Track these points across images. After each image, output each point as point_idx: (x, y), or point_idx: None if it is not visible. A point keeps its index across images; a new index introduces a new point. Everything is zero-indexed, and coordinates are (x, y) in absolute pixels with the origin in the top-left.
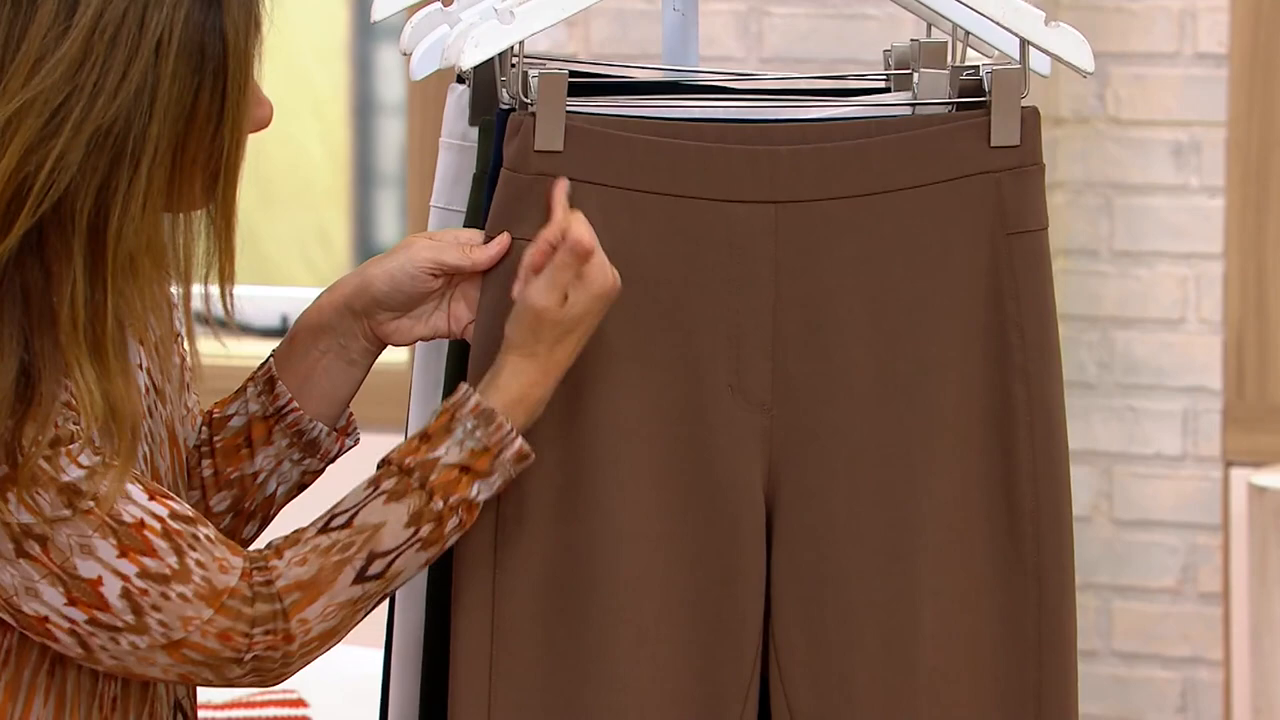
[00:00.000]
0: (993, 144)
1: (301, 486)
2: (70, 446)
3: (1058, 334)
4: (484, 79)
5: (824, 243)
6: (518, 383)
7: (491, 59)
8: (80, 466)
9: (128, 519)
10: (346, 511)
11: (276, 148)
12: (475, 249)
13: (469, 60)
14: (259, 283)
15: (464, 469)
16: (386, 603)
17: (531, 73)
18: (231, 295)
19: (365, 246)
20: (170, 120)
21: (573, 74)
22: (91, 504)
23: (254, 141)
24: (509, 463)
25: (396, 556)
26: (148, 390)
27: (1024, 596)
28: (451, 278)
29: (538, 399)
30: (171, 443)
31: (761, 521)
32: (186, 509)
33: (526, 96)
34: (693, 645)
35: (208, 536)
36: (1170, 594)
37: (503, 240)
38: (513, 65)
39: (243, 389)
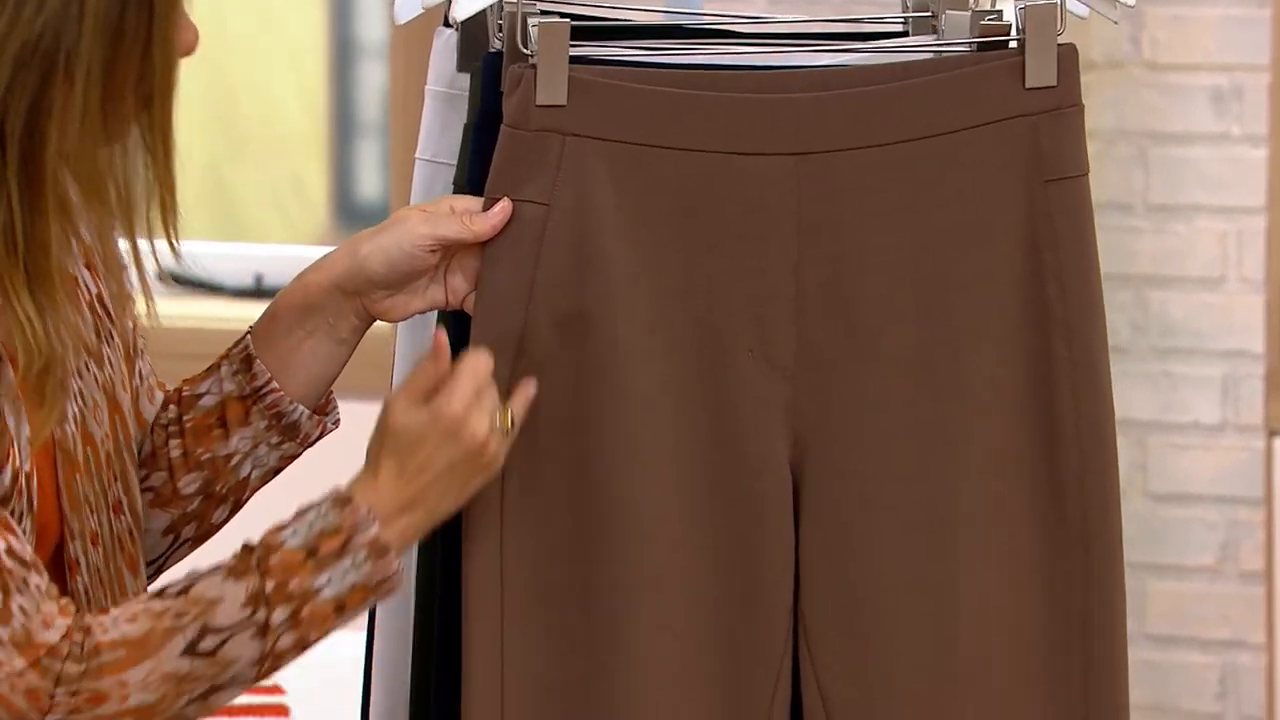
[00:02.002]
0: (1028, 85)
1: (277, 471)
2: None
3: (1101, 287)
4: (475, 21)
5: (849, 196)
6: (375, 490)
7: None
8: None
9: None
10: (187, 584)
11: (249, 95)
12: (475, 218)
13: (462, 11)
14: (231, 239)
15: (310, 552)
16: None
17: (531, 21)
18: (175, 230)
19: (344, 200)
20: (99, 36)
21: (569, 18)
22: None
23: (224, 88)
24: (362, 549)
25: (230, 637)
26: (77, 349)
27: (1069, 570)
28: (448, 248)
29: (388, 518)
30: (112, 408)
31: (788, 496)
32: (26, 551)
33: (526, 47)
34: (718, 630)
35: (38, 586)
36: (1209, 573)
37: (504, 208)
38: (510, 10)
39: (215, 366)
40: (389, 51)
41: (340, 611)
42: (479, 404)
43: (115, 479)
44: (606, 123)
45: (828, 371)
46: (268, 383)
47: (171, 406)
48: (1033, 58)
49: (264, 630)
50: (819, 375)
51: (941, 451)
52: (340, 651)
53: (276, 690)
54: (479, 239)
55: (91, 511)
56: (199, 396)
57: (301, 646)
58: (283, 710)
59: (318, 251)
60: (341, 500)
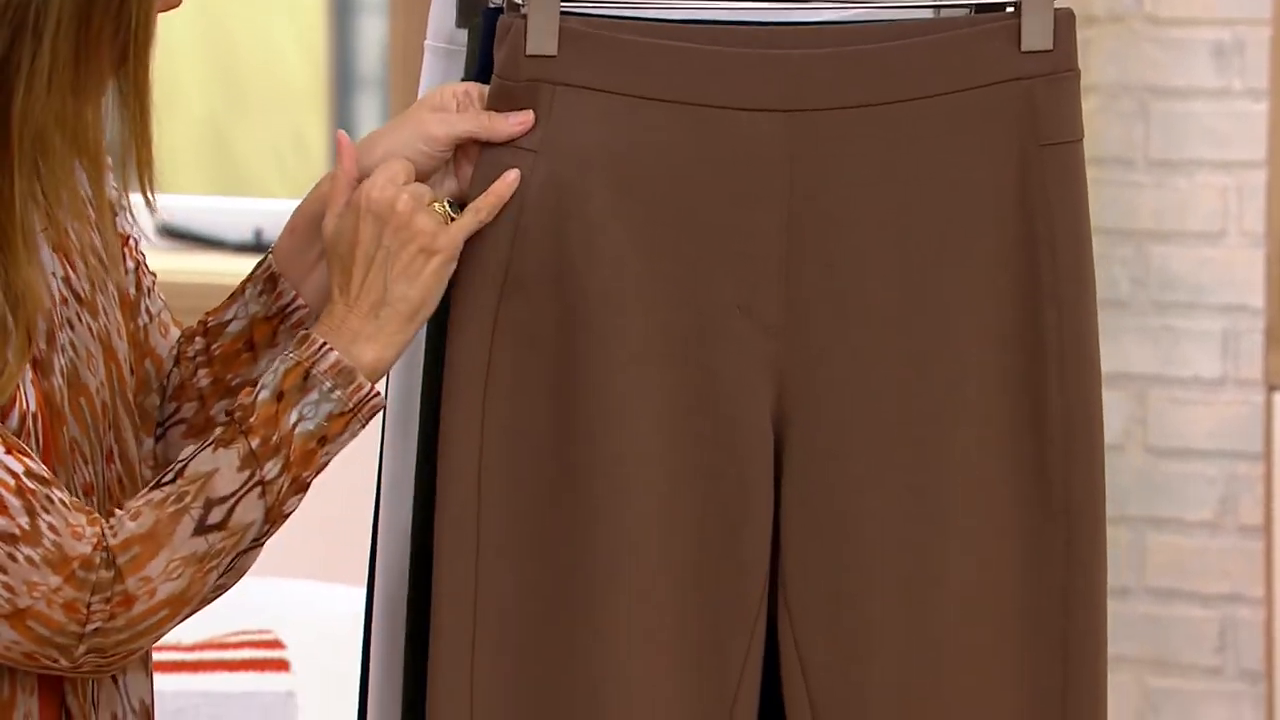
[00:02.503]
0: (1024, 48)
1: None
2: None
3: (1092, 256)
4: None
5: (840, 155)
6: (330, 316)
7: None
8: None
9: None
10: (177, 465)
11: (248, 48)
12: (494, 119)
13: None
14: (230, 193)
15: (279, 395)
16: (369, 536)
17: None
18: (152, 185)
19: None
20: None
21: None
22: None
23: (223, 41)
24: (325, 376)
25: (236, 503)
26: (65, 300)
27: (1051, 541)
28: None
29: (354, 330)
30: (107, 356)
31: (770, 455)
32: (42, 469)
33: None
34: (696, 589)
35: (62, 500)
36: (1208, 527)
37: (526, 117)
38: None
39: (240, 291)
40: (388, 6)
41: (325, 443)
42: (395, 186)
43: (109, 428)
44: (597, 73)
45: (814, 331)
46: (293, 300)
47: (198, 339)
48: (1029, 20)
49: (263, 486)
50: (805, 334)
51: (926, 415)
52: (340, 605)
53: (276, 645)
54: (496, 139)
55: (86, 462)
56: (225, 324)
57: (301, 488)
58: (283, 664)
59: None
60: (300, 339)
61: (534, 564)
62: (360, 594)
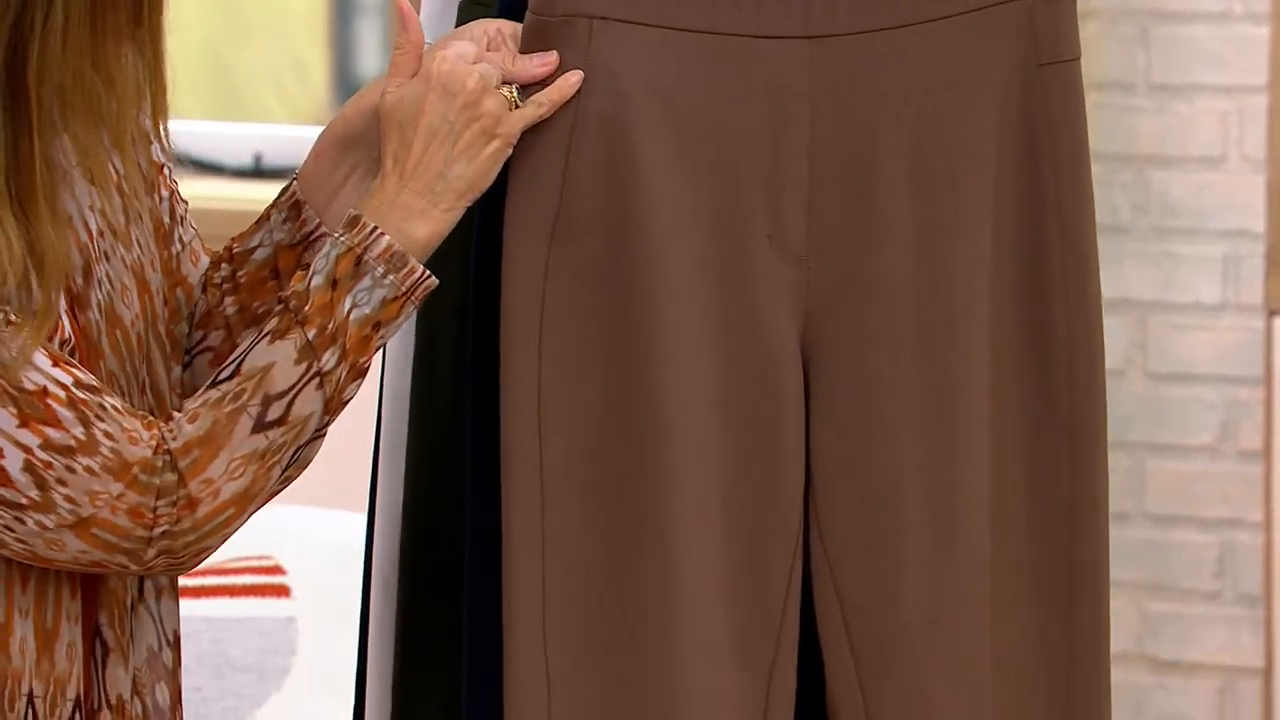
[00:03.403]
0: None
1: None
2: None
3: (1090, 171)
4: None
5: (858, 80)
6: (382, 190)
7: None
8: None
9: (29, 386)
10: (233, 361)
11: None
12: (519, 61)
13: None
14: (230, 118)
15: (333, 283)
16: (369, 462)
17: None
18: (166, 131)
19: (345, 79)
20: None
21: None
22: None
23: None
24: (377, 262)
25: (295, 397)
26: (101, 233)
27: (1055, 455)
28: None
29: (406, 207)
30: (141, 289)
31: (800, 382)
32: (91, 378)
33: None
34: (739, 521)
35: (115, 407)
36: (1208, 452)
37: (550, 59)
38: None
39: (265, 217)
40: None
41: (379, 327)
42: (467, 64)
43: (143, 360)
44: (630, 6)
45: (838, 256)
46: (318, 227)
47: (224, 265)
48: None
49: (321, 377)
50: (830, 261)
51: (943, 335)
52: (341, 532)
53: (277, 570)
54: (518, 81)
55: (122, 394)
56: (251, 250)
57: (359, 374)
58: (283, 590)
59: (318, 131)
60: (350, 221)
61: (596, 496)
62: (361, 520)
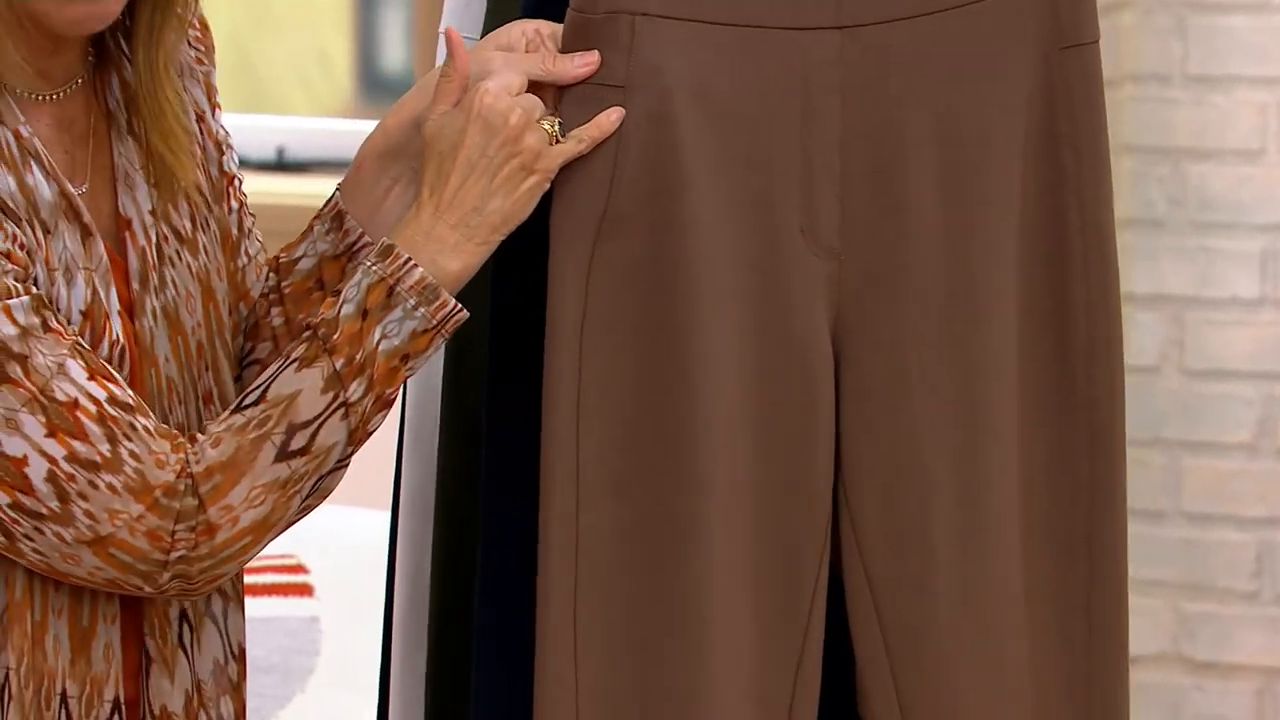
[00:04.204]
0: None
1: None
2: (8, 302)
3: (1109, 154)
4: None
5: (886, 70)
6: (417, 221)
7: None
8: (14, 324)
9: (60, 397)
10: (259, 387)
11: None
12: (560, 61)
13: None
14: (252, 110)
15: (364, 314)
16: (393, 459)
17: None
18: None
19: (369, 70)
20: None
21: None
22: (20, 372)
23: None
24: (409, 294)
25: (319, 427)
26: (166, 238)
27: (1074, 440)
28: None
29: (441, 239)
30: (205, 297)
31: (831, 375)
32: (128, 395)
33: None
34: (768, 511)
35: (145, 427)
36: (1245, 450)
37: (591, 59)
38: None
39: (309, 229)
40: None
41: (407, 359)
42: (510, 97)
43: (206, 369)
44: (669, 1)
45: (869, 248)
46: (360, 237)
47: (270, 275)
48: None
49: (347, 408)
50: (861, 252)
51: (971, 324)
52: (365, 530)
53: (300, 569)
54: (560, 82)
55: (180, 402)
56: (296, 261)
57: (385, 405)
58: (306, 589)
59: (341, 124)
60: (384, 250)
61: (631, 490)
62: (385, 519)
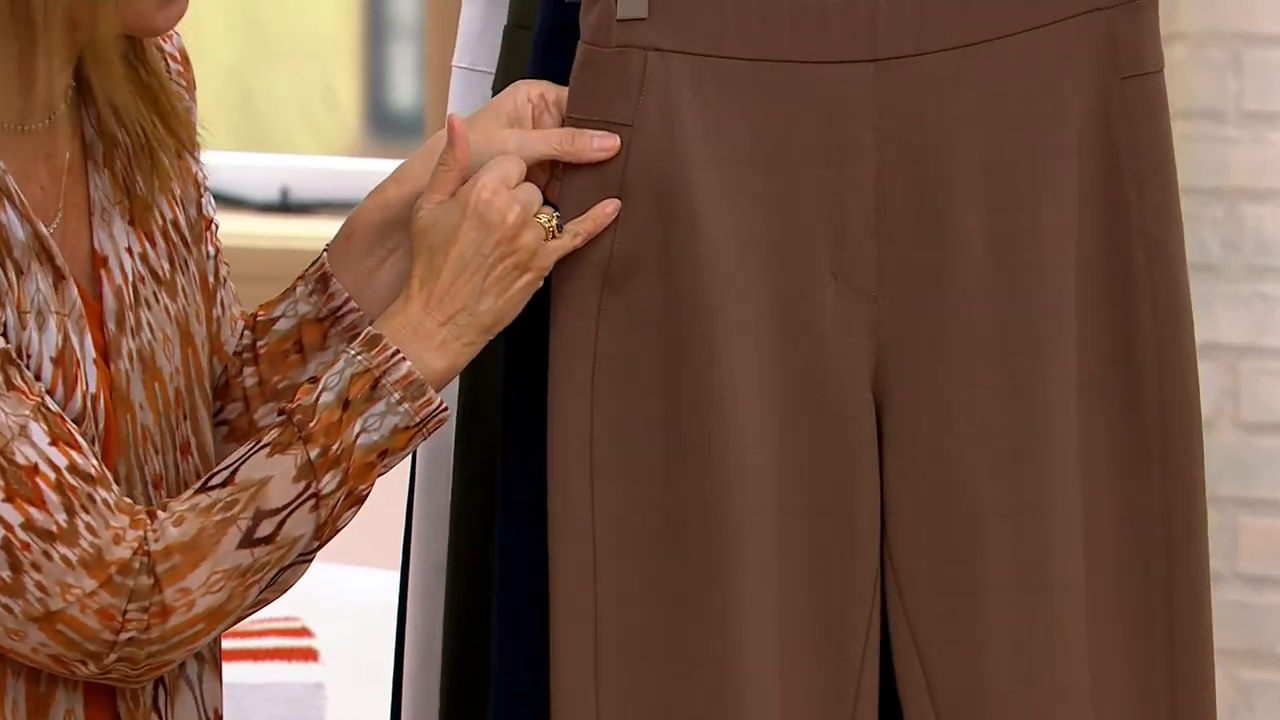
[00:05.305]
0: None
1: None
2: None
3: (1178, 189)
4: None
5: (927, 103)
6: (405, 313)
7: None
8: None
9: (21, 460)
10: (228, 468)
11: None
12: (577, 140)
13: None
14: (254, 149)
15: (345, 404)
16: (400, 517)
17: None
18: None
19: (376, 108)
20: None
21: None
22: None
23: None
24: (395, 388)
25: (287, 516)
26: (142, 279)
27: (1149, 499)
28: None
29: (428, 335)
30: (184, 342)
31: (873, 424)
32: (90, 465)
33: None
34: (812, 570)
35: (105, 500)
36: None
37: (611, 142)
38: None
39: (291, 289)
40: None
41: (385, 456)
42: (509, 190)
43: (184, 418)
44: (686, 35)
45: (909, 290)
46: (345, 302)
47: (246, 333)
48: None
49: (318, 500)
50: (901, 295)
51: (1023, 370)
52: (372, 592)
53: (304, 633)
54: (578, 161)
55: (156, 452)
56: (274, 320)
57: (356, 501)
58: (311, 654)
59: (348, 164)
60: (370, 340)
61: (653, 557)
62: (393, 579)
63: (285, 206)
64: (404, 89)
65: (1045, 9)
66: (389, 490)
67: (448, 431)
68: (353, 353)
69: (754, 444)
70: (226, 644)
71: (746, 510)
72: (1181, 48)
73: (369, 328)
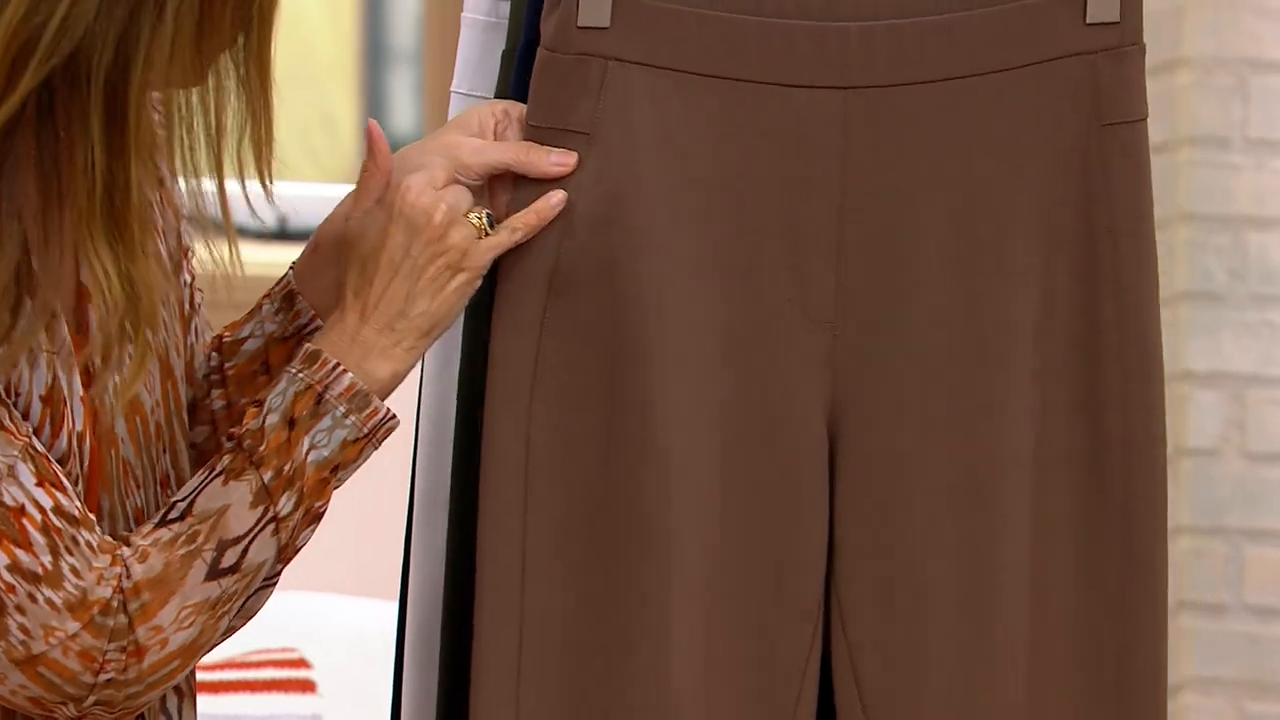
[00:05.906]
0: (1089, 20)
1: None
2: None
3: (1154, 243)
4: None
5: (896, 135)
6: (342, 325)
7: None
8: None
9: (8, 501)
10: (184, 499)
11: None
12: (533, 152)
13: None
14: (252, 176)
15: (290, 423)
16: (401, 551)
17: None
18: (270, 167)
19: None
20: None
21: None
22: None
23: None
24: (338, 401)
25: (250, 543)
26: (154, 304)
27: (1108, 543)
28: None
29: (367, 344)
30: (164, 374)
31: (824, 456)
32: (74, 507)
33: None
34: (750, 598)
35: (89, 542)
36: None
37: (569, 159)
38: None
39: (257, 308)
40: None
41: (338, 470)
42: (434, 190)
43: (164, 451)
44: (649, 48)
45: (868, 324)
46: (311, 320)
47: (213, 355)
48: None
49: (277, 523)
50: (859, 328)
51: (982, 412)
52: (370, 622)
53: (302, 664)
54: (532, 174)
55: (138, 487)
56: (241, 341)
57: (314, 519)
58: (308, 685)
59: (347, 191)
60: (309, 356)
61: (582, 571)
62: (391, 609)
63: (284, 235)
64: (403, 115)
65: (1027, 49)
66: (386, 520)
67: (445, 464)
68: (294, 370)
69: (693, 463)
70: (225, 676)
71: (681, 529)
72: (1187, 74)
73: (307, 344)
